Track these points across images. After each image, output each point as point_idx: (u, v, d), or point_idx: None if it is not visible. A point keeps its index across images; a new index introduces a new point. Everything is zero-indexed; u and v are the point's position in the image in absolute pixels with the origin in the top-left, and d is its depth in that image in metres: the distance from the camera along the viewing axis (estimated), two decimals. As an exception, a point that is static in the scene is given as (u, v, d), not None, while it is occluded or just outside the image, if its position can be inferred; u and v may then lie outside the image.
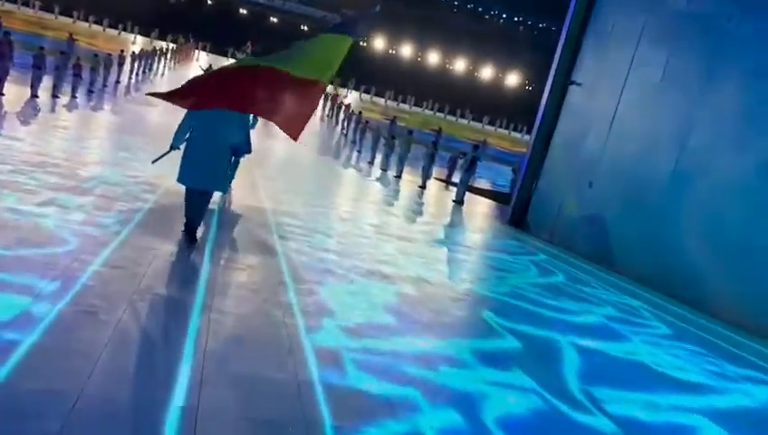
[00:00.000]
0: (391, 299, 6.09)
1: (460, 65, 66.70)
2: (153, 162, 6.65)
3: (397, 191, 16.46)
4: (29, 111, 14.50)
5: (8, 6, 49.44)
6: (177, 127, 6.44)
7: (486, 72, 67.02)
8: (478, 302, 6.89)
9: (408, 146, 19.80)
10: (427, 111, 57.72)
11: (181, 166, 6.36)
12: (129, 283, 4.88)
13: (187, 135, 6.33)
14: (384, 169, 19.92)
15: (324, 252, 7.47)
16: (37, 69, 17.31)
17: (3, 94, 15.66)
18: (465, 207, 16.07)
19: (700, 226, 10.41)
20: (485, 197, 19.90)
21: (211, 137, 6.27)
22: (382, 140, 21.79)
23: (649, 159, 11.84)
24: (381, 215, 11.97)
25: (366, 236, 9.19)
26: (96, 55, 23.32)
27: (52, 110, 15.95)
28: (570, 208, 13.67)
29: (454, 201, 16.62)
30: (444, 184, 20.82)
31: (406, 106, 55.95)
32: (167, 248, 6.10)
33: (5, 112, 13.47)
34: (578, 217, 13.42)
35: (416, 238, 10.04)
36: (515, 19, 71.16)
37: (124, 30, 52.62)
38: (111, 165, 10.15)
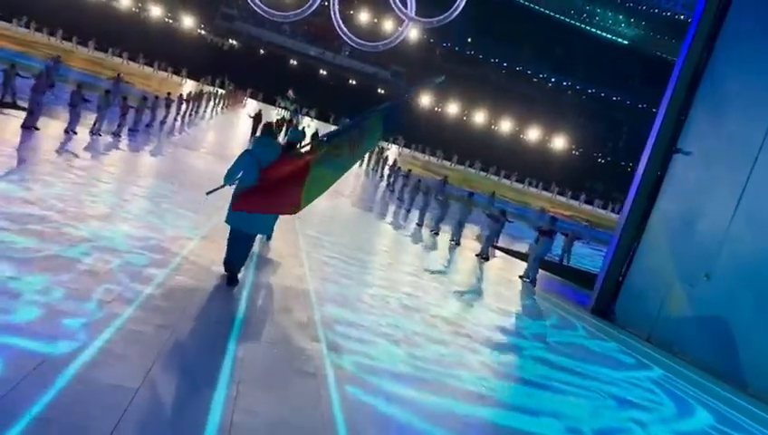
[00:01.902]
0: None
1: (506, 126, 65.03)
2: (207, 194, 6.82)
3: (457, 263, 14.08)
4: (53, 149, 12.79)
5: (67, 45, 50.13)
6: (230, 165, 6.60)
7: (533, 134, 65.15)
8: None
9: (469, 210, 17.53)
10: (470, 169, 55.70)
11: (229, 208, 6.64)
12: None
13: (239, 175, 6.58)
14: (435, 233, 17.63)
15: (395, 380, 5.07)
16: (72, 107, 16.16)
17: (37, 129, 14.23)
18: (537, 287, 13.55)
19: None
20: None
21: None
22: (433, 201, 19.63)
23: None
24: (450, 301, 9.55)
25: (443, 342, 6.78)
26: (145, 98, 22.09)
27: (87, 148, 14.32)
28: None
29: (522, 278, 14.09)
30: (496, 250, 18.31)
31: (447, 162, 54.09)
32: (150, 390, 3.72)
33: (27, 148, 11.78)
34: (690, 316, 10.77)
35: (503, 343, 7.60)
36: (564, 83, 69.70)
37: (175, 73, 52.53)
38: (120, 220, 8.06)
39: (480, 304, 10.16)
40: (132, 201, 9.91)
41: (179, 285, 5.90)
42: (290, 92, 51.18)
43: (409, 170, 26.52)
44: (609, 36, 70.03)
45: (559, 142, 65.02)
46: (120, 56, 52.20)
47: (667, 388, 7.71)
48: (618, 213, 54.90)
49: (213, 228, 9.03)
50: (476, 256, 15.60)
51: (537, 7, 68.89)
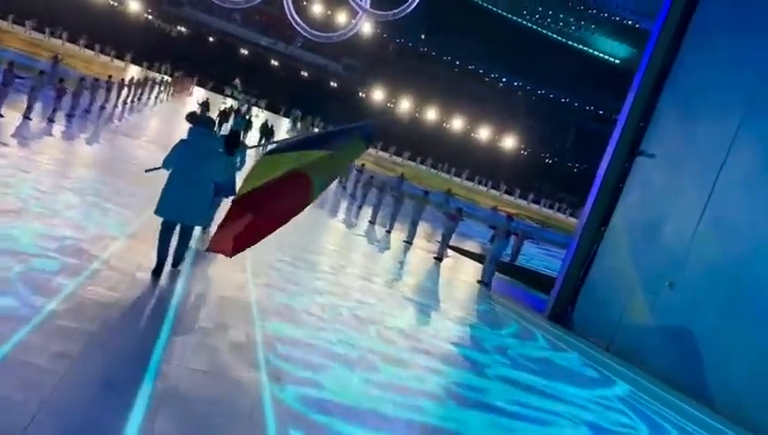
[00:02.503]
0: None
1: (457, 124, 65.04)
2: (147, 171, 6.60)
3: (411, 265, 13.42)
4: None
5: (3, 24, 47.13)
6: (167, 155, 6.26)
7: (483, 133, 65.36)
8: None
9: (422, 209, 16.94)
10: (421, 165, 55.33)
11: (160, 198, 6.18)
12: None
13: (174, 163, 6.24)
14: (388, 231, 16.96)
15: (348, 418, 4.30)
16: (3, 86, 14.86)
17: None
18: (491, 291, 13.06)
19: None
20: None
21: (193, 170, 6.15)
22: (387, 198, 18.98)
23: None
24: (406, 309, 8.84)
25: (401, 362, 6.06)
26: (83, 79, 20.54)
27: (12, 133, 12.94)
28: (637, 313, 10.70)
29: (480, 282, 13.57)
30: (448, 249, 17.79)
31: (399, 158, 53.54)
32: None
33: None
34: (652, 326, 10.40)
35: (464, 360, 6.95)
36: (514, 84, 70.21)
37: (118, 57, 50.05)
38: (34, 216, 6.99)
39: (436, 311, 9.50)
40: (54, 194, 8.78)
41: (93, 297, 4.96)
42: (236, 81, 49.70)
43: (362, 165, 25.75)
44: (560, 39, 70.96)
45: (509, 142, 65.45)
46: (60, 37, 49.40)
47: (637, 408, 7.23)
48: (563, 213, 55.55)
49: (143, 225, 8.06)
50: (434, 258, 14.98)
51: (490, 7, 69.11)
